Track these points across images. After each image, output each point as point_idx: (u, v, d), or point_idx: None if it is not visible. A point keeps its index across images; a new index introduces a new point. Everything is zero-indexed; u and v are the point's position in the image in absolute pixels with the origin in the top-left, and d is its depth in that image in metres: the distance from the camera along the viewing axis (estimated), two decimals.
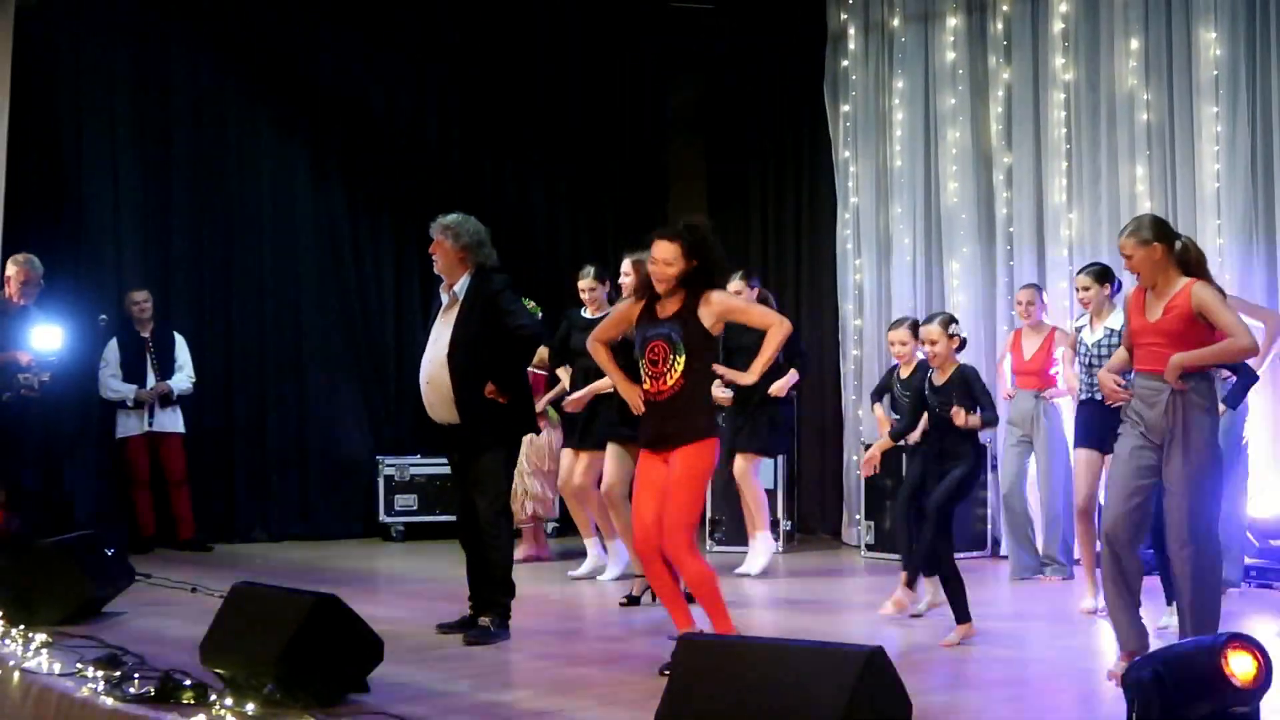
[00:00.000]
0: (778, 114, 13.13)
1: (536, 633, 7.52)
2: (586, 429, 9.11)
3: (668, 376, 6.23)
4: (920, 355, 8.08)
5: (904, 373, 8.33)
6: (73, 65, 11.50)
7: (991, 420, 7.47)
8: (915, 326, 8.14)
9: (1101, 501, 8.47)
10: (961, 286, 11.26)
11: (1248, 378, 8.01)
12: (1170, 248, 6.20)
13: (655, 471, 6.35)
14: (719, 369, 6.34)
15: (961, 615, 7.27)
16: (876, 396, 9.01)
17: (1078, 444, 8.48)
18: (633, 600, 8.49)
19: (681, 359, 6.21)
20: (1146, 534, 6.63)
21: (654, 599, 8.25)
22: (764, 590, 9.34)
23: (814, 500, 12.57)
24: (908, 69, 11.75)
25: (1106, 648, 6.81)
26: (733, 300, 6.37)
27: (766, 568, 9.76)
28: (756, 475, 9.90)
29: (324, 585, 6.86)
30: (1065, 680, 6.60)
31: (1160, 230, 6.24)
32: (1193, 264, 6.22)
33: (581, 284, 9.32)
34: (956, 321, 7.61)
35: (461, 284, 7.30)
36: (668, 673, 6.06)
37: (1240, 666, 4.66)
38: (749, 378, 6.55)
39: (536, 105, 13.19)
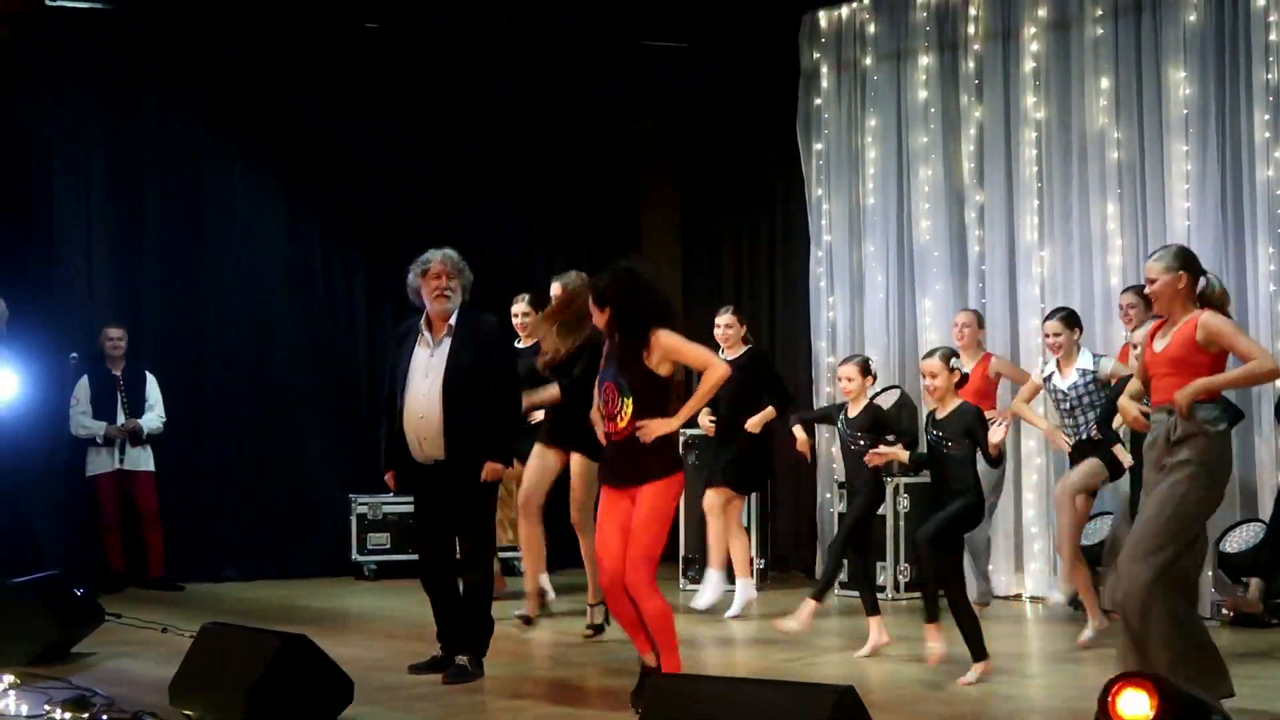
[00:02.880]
0: (751, 152, 13.16)
1: (509, 670, 7.48)
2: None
3: (619, 419, 6.32)
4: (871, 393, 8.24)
5: (851, 411, 8.21)
6: (46, 102, 11.46)
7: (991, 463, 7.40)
8: (865, 365, 8.25)
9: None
10: (934, 324, 11.27)
11: (1235, 415, 7.89)
12: (1194, 280, 6.23)
13: (617, 507, 6.45)
14: (641, 426, 6.29)
15: (978, 652, 7.13)
16: (801, 419, 9.10)
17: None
18: (597, 629, 8.51)
19: (629, 402, 6.30)
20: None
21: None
22: (737, 628, 9.31)
23: (788, 538, 12.56)
24: (880, 107, 11.79)
25: (1082, 680, 6.79)
26: (674, 340, 6.38)
27: (713, 604, 9.58)
28: (727, 512, 9.67)
29: (295, 625, 6.82)
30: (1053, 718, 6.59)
31: (1188, 261, 6.29)
32: (1214, 303, 6.22)
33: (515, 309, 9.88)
34: (957, 356, 7.61)
35: (454, 317, 7.34)
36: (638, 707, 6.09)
37: (1131, 707, 4.58)
38: (671, 425, 6.33)
39: (510, 141, 13.20)
